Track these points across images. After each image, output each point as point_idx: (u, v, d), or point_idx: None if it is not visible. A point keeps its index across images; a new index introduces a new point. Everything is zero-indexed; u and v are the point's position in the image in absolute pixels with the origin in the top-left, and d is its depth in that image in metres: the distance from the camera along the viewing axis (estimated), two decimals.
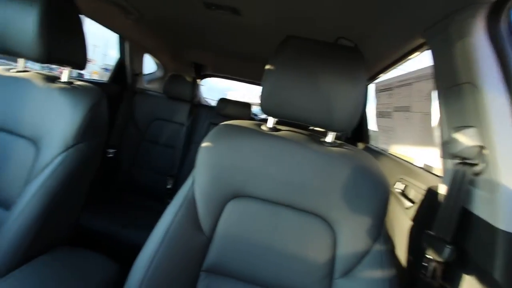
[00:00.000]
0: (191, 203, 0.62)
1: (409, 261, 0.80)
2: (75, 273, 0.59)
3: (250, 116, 1.94)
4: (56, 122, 0.74)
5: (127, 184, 1.65)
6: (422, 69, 0.93)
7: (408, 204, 0.87)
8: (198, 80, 2.07)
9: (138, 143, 1.70)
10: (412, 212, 0.85)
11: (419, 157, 0.99)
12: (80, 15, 0.83)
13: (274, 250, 0.61)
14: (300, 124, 0.66)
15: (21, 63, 0.85)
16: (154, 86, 2.19)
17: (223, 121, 0.71)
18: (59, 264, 0.60)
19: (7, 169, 0.72)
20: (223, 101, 1.83)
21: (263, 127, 0.69)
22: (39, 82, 0.79)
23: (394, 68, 1.22)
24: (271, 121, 0.67)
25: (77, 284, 0.57)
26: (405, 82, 1.06)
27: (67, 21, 0.78)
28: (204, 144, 0.64)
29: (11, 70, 0.83)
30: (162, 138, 1.72)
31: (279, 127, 0.71)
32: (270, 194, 0.62)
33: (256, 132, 0.65)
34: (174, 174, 1.62)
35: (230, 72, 2.46)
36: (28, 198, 0.63)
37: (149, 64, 2.16)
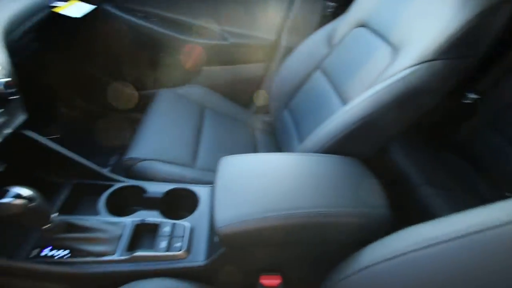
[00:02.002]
0: None
1: None
2: (359, 190, 0.57)
3: None
4: (424, 30, 0.62)
5: (462, 145, 1.23)
6: None
7: None
8: None
9: None
10: None
11: None
12: None
13: None
14: None
15: None
16: None
17: None
18: (346, 172, 0.61)
19: (362, 70, 0.76)
20: None
21: None
22: None
23: None
24: None
25: (357, 195, 0.56)
26: None
27: None
28: None
29: None
30: None
31: None
32: None
33: None
34: None
35: None
36: (360, 101, 0.64)
37: None
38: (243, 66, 1.32)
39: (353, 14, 0.90)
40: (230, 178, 0.60)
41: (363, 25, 0.85)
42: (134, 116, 1.23)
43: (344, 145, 0.65)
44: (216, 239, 0.55)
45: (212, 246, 0.58)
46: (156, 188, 0.70)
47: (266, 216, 0.49)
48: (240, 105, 1.27)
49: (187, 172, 0.81)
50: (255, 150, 1.03)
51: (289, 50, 1.16)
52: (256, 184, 0.57)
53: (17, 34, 0.67)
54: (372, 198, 0.57)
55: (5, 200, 0.43)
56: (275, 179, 0.58)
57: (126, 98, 1.26)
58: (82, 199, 0.66)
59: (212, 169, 0.83)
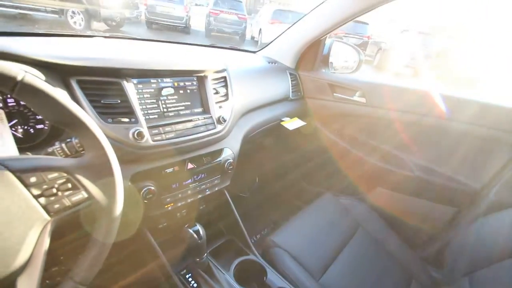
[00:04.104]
0: None
1: None
2: None
3: None
4: None
5: None
6: None
7: None
8: None
9: None
10: None
11: None
12: None
13: None
14: None
15: None
16: None
17: None
18: None
19: None
20: None
21: None
22: None
23: None
24: None
25: None
26: None
27: None
28: None
29: None
30: None
31: None
32: None
33: None
34: None
35: None
36: None
37: None
38: (426, 202, 1.16)
39: None
40: None
41: None
42: (296, 204, 1.41)
43: None
44: None
45: None
46: (275, 280, 0.76)
47: None
48: (405, 242, 1.09)
49: (309, 283, 0.81)
50: None
51: (497, 206, 0.91)
52: None
53: (252, 133, 1.07)
54: None
55: (190, 231, 0.69)
56: None
57: (298, 189, 1.49)
58: (226, 251, 0.86)
59: None
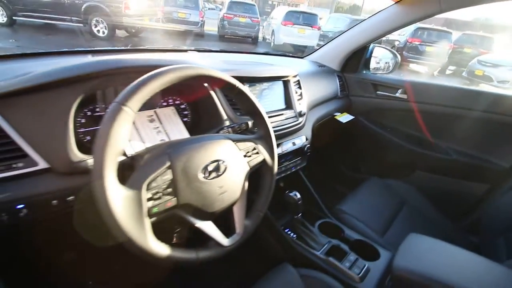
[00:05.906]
0: None
1: None
2: None
3: None
4: None
5: None
6: None
7: None
8: None
9: None
10: None
11: None
12: None
13: None
14: None
15: None
16: None
17: None
18: None
19: None
20: None
21: None
22: None
23: None
24: None
25: None
26: None
27: None
28: None
29: None
30: None
31: None
32: None
33: None
34: None
35: None
36: None
37: None
38: (461, 181, 1.36)
39: None
40: (416, 245, 0.77)
41: None
42: (344, 185, 1.61)
43: None
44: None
45: None
46: (351, 234, 0.99)
47: None
48: (446, 215, 1.29)
49: (377, 238, 1.03)
50: None
51: None
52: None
53: (315, 125, 1.28)
54: None
55: (290, 194, 0.92)
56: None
57: (344, 173, 1.71)
58: (307, 217, 1.09)
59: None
